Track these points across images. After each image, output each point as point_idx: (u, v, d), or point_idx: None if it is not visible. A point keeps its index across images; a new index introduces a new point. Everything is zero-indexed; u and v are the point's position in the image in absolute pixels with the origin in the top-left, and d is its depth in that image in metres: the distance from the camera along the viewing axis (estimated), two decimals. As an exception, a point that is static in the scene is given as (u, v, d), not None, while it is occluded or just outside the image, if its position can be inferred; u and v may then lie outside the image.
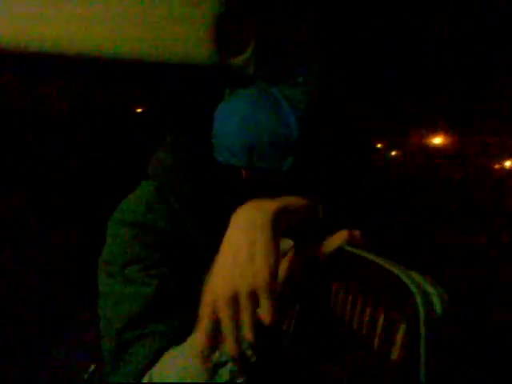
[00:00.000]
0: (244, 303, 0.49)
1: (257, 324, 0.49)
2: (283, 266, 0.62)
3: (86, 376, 1.04)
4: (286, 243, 0.64)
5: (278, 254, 0.52)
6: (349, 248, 0.59)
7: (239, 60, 0.81)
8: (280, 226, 0.55)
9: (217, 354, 0.56)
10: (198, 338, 0.51)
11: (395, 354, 0.46)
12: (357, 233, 0.62)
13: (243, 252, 0.52)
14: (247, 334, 0.49)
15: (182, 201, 0.77)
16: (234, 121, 0.73)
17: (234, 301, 0.49)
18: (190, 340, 0.62)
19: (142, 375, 0.64)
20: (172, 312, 0.68)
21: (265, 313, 0.49)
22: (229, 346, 0.49)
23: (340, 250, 0.60)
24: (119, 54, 1.01)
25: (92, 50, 1.04)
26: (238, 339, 0.49)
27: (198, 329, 0.51)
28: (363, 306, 0.52)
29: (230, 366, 0.57)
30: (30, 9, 0.98)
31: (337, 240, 0.61)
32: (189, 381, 0.58)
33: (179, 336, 0.64)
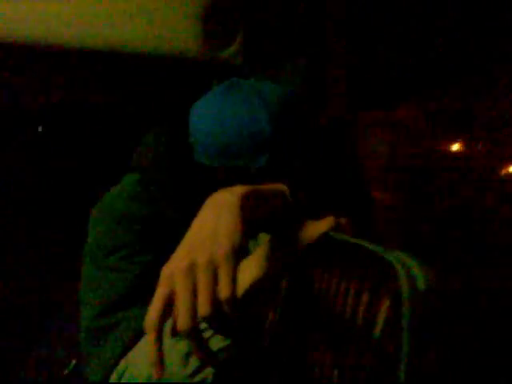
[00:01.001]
0: (200, 274, 0.47)
1: (214, 300, 0.46)
2: (257, 257, 0.61)
3: (66, 371, 1.03)
4: (264, 237, 0.63)
5: (242, 233, 0.50)
6: (334, 234, 0.59)
7: (227, 52, 0.81)
8: (247, 207, 0.54)
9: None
10: (149, 311, 0.48)
11: (378, 330, 0.45)
12: (343, 220, 0.62)
13: (207, 227, 0.51)
14: (200, 307, 0.46)
15: (163, 192, 0.77)
16: (204, 121, 0.73)
17: (191, 272, 0.47)
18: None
19: (118, 362, 0.63)
20: (149, 298, 0.67)
21: (221, 287, 0.46)
22: (180, 320, 0.46)
23: (325, 235, 0.59)
24: (109, 49, 1.02)
25: (83, 45, 1.05)
26: (190, 313, 0.46)
27: (152, 301, 0.48)
28: (347, 289, 0.51)
29: (183, 344, 0.55)
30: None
31: (322, 226, 0.61)
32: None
33: None
